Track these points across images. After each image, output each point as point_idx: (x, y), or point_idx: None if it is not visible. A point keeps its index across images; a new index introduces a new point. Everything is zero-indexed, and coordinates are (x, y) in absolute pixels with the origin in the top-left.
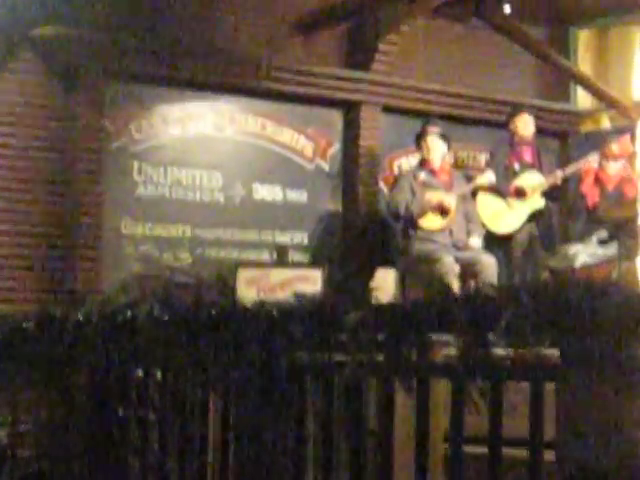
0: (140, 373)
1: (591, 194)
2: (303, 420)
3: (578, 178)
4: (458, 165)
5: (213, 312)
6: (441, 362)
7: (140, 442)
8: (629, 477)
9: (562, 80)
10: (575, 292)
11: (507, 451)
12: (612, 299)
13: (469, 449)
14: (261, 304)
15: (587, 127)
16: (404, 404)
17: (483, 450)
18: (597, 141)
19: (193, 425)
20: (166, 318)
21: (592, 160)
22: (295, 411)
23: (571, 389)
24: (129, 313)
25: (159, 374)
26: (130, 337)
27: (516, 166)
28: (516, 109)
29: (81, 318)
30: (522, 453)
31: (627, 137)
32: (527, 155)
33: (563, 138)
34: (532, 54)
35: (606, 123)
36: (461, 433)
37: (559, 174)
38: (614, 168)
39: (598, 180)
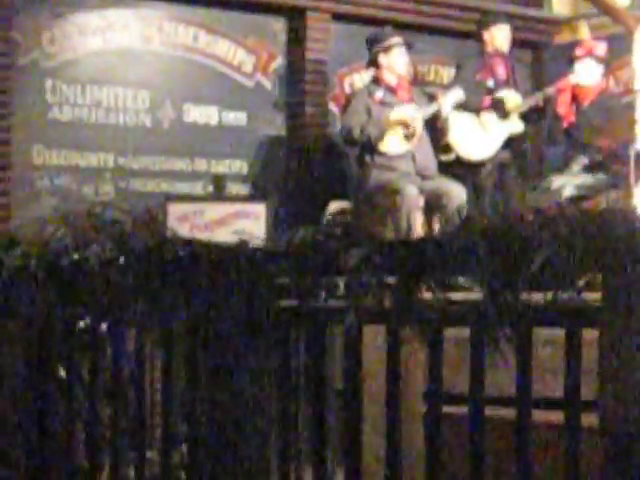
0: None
1: (567, 114)
2: (290, 376)
3: (553, 98)
4: (418, 81)
5: (182, 253)
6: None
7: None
8: None
9: None
10: (623, 225)
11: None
12: None
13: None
14: (241, 243)
15: (564, 38)
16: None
17: (504, 412)
18: (567, 56)
19: (151, 389)
20: (122, 261)
21: (571, 77)
22: (282, 365)
23: (617, 337)
24: (75, 256)
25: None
26: (79, 283)
27: (490, 83)
28: (493, 17)
29: (17, 262)
30: (554, 416)
31: (601, 43)
32: (501, 70)
33: (536, 50)
34: None
35: (586, 33)
36: (483, 391)
37: (540, 95)
38: (584, 77)
39: (575, 97)
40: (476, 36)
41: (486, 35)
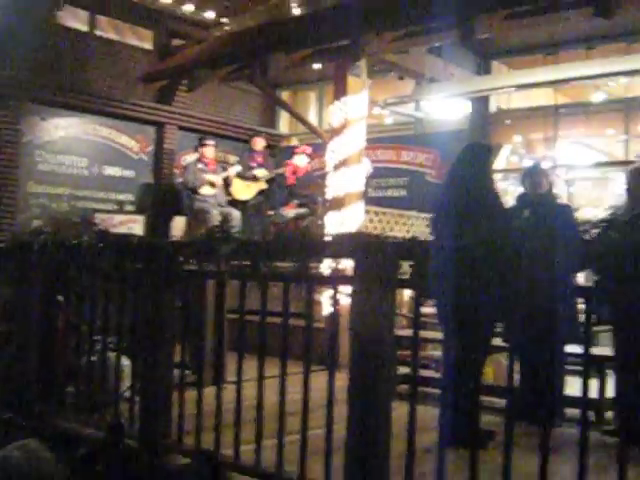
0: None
1: (290, 179)
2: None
3: (284, 172)
4: (218, 160)
5: (141, 243)
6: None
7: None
8: None
9: (274, 115)
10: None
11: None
12: None
13: None
14: (166, 240)
15: (286, 142)
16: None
17: None
18: (288, 152)
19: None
20: (102, 245)
21: (292, 161)
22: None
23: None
24: (75, 241)
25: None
26: (78, 257)
27: (253, 164)
28: (256, 132)
29: (41, 241)
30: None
31: (307, 146)
32: (259, 159)
33: (273, 149)
34: (271, 102)
35: (295, 142)
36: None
37: (273, 172)
38: (299, 162)
39: (294, 171)
40: (248, 141)
41: (252, 143)
